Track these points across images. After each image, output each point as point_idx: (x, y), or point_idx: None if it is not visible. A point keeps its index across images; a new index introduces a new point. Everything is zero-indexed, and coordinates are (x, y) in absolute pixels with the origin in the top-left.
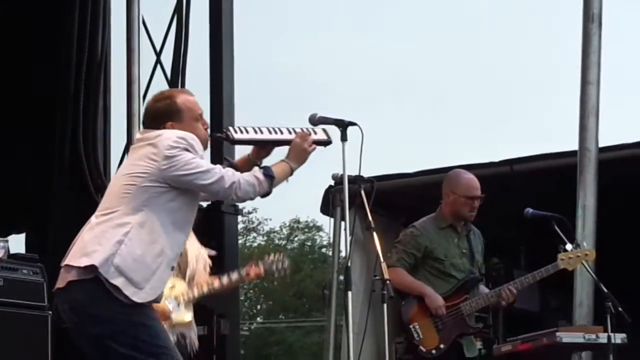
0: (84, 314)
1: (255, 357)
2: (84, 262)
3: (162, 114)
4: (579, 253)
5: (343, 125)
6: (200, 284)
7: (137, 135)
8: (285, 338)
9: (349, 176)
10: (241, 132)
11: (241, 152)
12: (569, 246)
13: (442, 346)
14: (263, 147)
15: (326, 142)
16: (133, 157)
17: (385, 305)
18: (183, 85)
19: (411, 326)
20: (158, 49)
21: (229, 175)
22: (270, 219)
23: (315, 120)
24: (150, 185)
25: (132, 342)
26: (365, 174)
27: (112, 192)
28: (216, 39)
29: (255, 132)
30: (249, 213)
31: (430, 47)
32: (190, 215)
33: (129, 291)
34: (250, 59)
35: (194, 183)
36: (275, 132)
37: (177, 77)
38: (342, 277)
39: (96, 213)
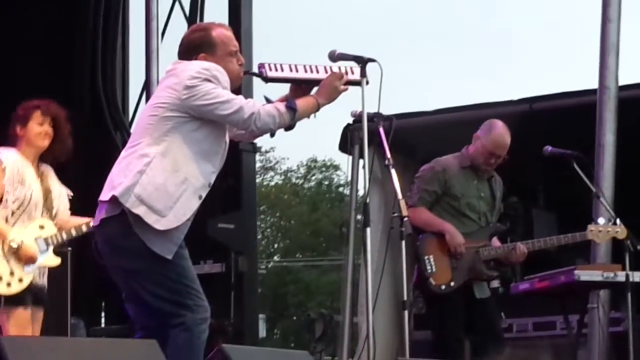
0: (114, 247)
1: (272, 296)
2: (109, 195)
3: (196, 45)
4: (609, 229)
5: (362, 61)
6: (69, 227)
7: (168, 67)
8: (302, 277)
9: (367, 114)
10: (276, 69)
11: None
12: (601, 220)
13: (452, 284)
14: (300, 86)
15: (360, 83)
16: (158, 89)
17: (403, 242)
18: (202, 22)
19: (426, 257)
20: None
21: (249, 106)
22: (288, 158)
23: (334, 57)
24: (172, 115)
25: (158, 278)
26: (384, 111)
27: (138, 124)
28: None
29: (291, 70)
30: (267, 152)
31: None
32: (217, 147)
33: (151, 219)
34: None
35: (213, 113)
36: (312, 71)
37: (195, 13)
38: (359, 216)
39: (125, 146)
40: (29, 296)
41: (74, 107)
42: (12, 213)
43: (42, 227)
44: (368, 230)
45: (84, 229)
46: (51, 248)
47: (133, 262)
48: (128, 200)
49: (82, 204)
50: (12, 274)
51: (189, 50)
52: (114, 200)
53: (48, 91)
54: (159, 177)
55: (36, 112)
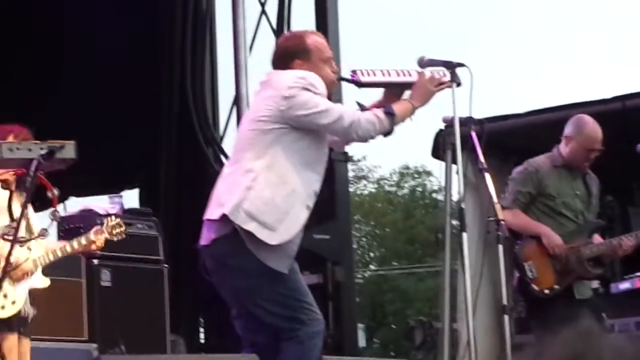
0: (227, 266)
1: (370, 305)
2: (218, 213)
3: (291, 52)
4: None
5: (451, 66)
6: (54, 249)
7: (262, 78)
8: (400, 285)
9: (459, 118)
10: (368, 74)
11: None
12: None
13: (556, 287)
14: (393, 91)
15: (457, 84)
16: (255, 102)
17: (500, 246)
18: None
19: (526, 264)
20: None
21: (349, 114)
22: (380, 166)
23: (423, 63)
24: (273, 127)
25: (271, 295)
26: (476, 115)
27: (239, 140)
28: None
29: (383, 74)
30: (359, 161)
31: None
32: (320, 155)
33: (263, 235)
34: (354, 4)
35: (313, 123)
36: (404, 74)
37: (282, 27)
38: (455, 221)
39: (228, 162)
40: (18, 322)
41: (164, 123)
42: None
43: (29, 248)
44: (464, 235)
45: (68, 249)
46: (40, 269)
47: (246, 280)
48: (238, 217)
49: (175, 219)
50: (5, 296)
51: (284, 57)
52: (224, 218)
53: (137, 109)
54: (267, 191)
55: (8, 137)
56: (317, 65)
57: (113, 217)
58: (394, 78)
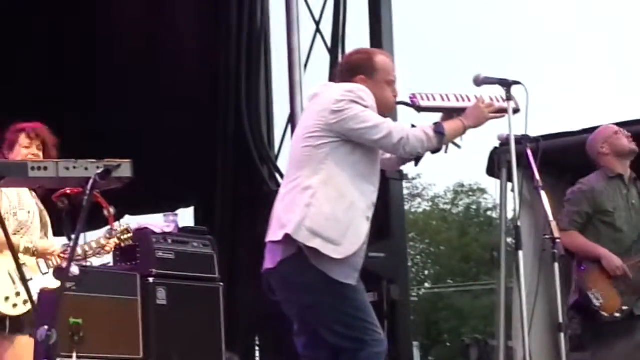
0: (292, 285)
1: (425, 323)
2: (281, 234)
3: (358, 66)
4: None
5: (507, 84)
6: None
7: (310, 92)
8: (455, 302)
9: (514, 136)
10: (428, 99)
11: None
12: None
13: (624, 308)
14: (451, 116)
15: (515, 111)
16: (304, 117)
17: (556, 264)
18: (343, 53)
19: (590, 293)
20: (317, 17)
21: (398, 130)
22: (435, 184)
23: (479, 81)
24: (325, 142)
25: (335, 314)
26: (531, 133)
27: (292, 157)
28: (375, 5)
29: (442, 99)
30: (413, 179)
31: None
32: (374, 167)
33: (328, 250)
34: (409, 23)
35: (362, 138)
36: (463, 100)
37: (337, 45)
38: (510, 240)
39: (284, 182)
40: (29, 322)
41: (220, 142)
42: (14, 234)
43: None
44: (520, 253)
45: (79, 252)
46: (51, 270)
47: (312, 296)
48: (301, 235)
49: (231, 238)
50: (18, 294)
51: (349, 71)
52: (287, 238)
53: (193, 128)
54: (326, 207)
55: (22, 135)
56: (380, 85)
57: (122, 223)
58: (453, 103)
